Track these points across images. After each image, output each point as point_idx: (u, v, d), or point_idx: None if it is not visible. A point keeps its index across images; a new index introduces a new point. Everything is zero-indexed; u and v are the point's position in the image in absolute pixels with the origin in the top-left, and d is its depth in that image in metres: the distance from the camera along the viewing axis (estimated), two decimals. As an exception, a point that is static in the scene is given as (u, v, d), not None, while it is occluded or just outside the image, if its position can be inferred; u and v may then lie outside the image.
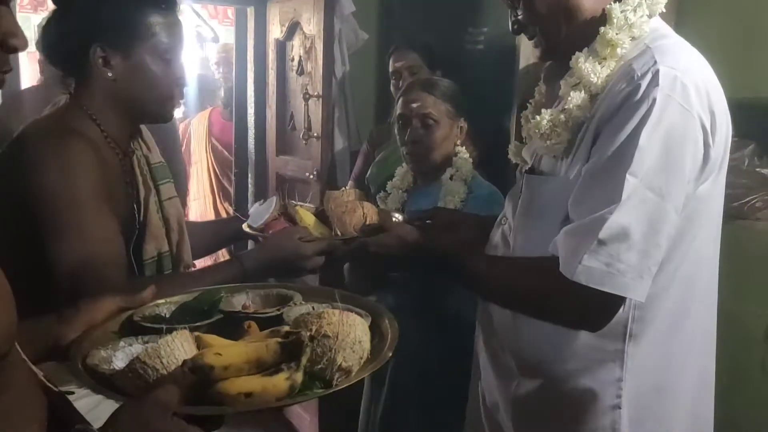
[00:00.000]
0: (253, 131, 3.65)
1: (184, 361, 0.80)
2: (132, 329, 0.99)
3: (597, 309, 1.05)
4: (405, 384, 1.76)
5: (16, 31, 0.69)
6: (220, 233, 1.68)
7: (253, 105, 3.62)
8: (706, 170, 1.06)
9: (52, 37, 1.28)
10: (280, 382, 0.79)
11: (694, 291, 1.14)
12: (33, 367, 0.80)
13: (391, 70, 2.66)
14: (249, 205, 3.76)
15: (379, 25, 3.35)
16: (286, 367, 0.80)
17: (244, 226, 1.46)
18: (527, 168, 1.26)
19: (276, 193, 1.48)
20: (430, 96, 1.82)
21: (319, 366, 0.83)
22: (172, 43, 1.31)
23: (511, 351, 1.23)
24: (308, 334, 0.83)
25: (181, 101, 1.39)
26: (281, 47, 3.34)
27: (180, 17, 1.35)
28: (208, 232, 1.67)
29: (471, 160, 1.86)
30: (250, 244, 1.73)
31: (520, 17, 1.19)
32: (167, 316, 1.04)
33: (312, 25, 2.98)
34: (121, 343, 0.93)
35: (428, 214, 1.50)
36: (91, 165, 1.21)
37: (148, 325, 0.99)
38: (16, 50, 0.69)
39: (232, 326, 0.98)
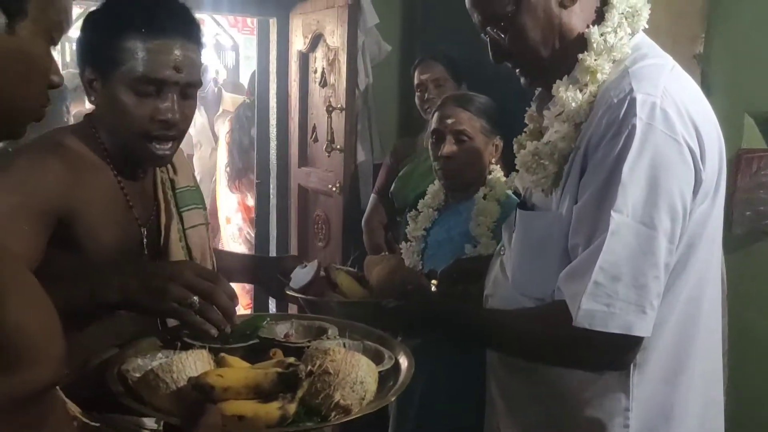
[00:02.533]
0: (275, 142, 3.66)
1: (189, 378, 0.85)
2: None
3: (616, 349, 1.03)
4: (434, 405, 1.74)
5: (57, 70, 0.74)
6: (248, 272, 1.58)
7: (275, 116, 3.63)
8: (700, 193, 1.04)
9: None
10: (272, 410, 0.83)
11: (699, 314, 1.12)
12: (69, 403, 0.82)
13: (416, 82, 2.65)
14: (270, 217, 3.78)
15: (402, 37, 3.34)
16: (281, 398, 0.84)
17: (286, 289, 1.47)
18: (519, 202, 1.25)
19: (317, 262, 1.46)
20: (465, 111, 1.81)
21: (317, 401, 0.87)
22: (149, 75, 1.15)
23: (518, 380, 1.21)
24: (309, 368, 0.87)
25: (170, 144, 1.22)
26: (304, 59, 3.36)
27: (186, 42, 1.18)
28: (237, 265, 1.58)
29: (505, 179, 1.84)
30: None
31: (505, 45, 1.15)
32: (216, 335, 1.07)
33: (335, 37, 2.98)
34: (159, 354, 0.99)
35: (453, 269, 1.49)
36: (37, 178, 1.11)
37: (189, 340, 1.03)
38: (56, 86, 0.75)
39: (265, 352, 1.03)
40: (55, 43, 0.73)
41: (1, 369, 0.62)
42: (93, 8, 1.22)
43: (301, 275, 1.43)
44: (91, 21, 1.19)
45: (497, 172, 1.85)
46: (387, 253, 2.07)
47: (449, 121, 1.80)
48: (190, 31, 1.20)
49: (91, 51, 1.18)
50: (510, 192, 1.83)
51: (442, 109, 1.84)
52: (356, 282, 1.44)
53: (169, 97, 1.17)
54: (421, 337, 1.30)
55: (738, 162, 2.15)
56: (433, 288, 1.46)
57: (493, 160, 1.86)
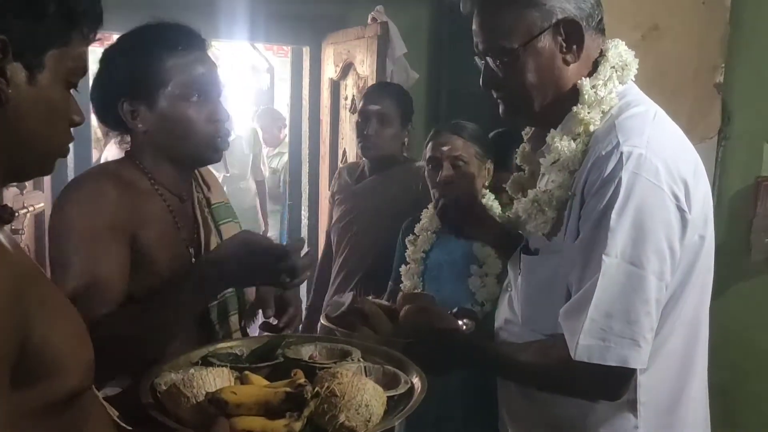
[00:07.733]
0: (307, 165, 3.80)
1: (207, 393, 0.93)
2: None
3: (611, 381, 1.10)
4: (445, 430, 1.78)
5: (78, 110, 0.83)
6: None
7: (307, 140, 3.78)
8: (689, 230, 1.09)
9: (94, 96, 1.30)
10: (278, 426, 0.89)
11: (698, 333, 1.19)
12: (107, 406, 0.89)
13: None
14: (302, 233, 3.90)
15: (429, 65, 3.45)
16: (289, 416, 0.89)
17: (322, 318, 1.54)
18: (522, 246, 1.31)
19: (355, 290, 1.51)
20: (459, 138, 1.86)
21: (323, 421, 0.91)
22: (195, 83, 1.25)
23: (529, 405, 1.28)
24: (316, 389, 0.92)
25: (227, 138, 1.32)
26: (335, 86, 3.48)
27: (206, 54, 1.29)
28: None
29: (498, 203, 1.89)
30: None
31: (500, 76, 1.18)
32: (242, 355, 1.15)
33: (365, 66, 3.10)
34: (191, 370, 1.05)
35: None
36: (105, 203, 1.19)
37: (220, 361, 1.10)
38: (78, 124, 0.84)
39: (289, 372, 1.07)
40: (73, 86, 0.82)
41: (31, 379, 0.70)
42: (108, 47, 1.29)
43: (337, 305, 1.51)
44: (118, 58, 1.25)
45: (489, 196, 1.90)
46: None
47: (445, 148, 1.85)
48: (206, 47, 1.31)
49: (130, 83, 1.23)
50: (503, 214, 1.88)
51: (436, 138, 1.89)
52: (386, 317, 1.49)
53: (213, 100, 1.28)
54: (440, 374, 1.37)
55: (757, 189, 2.19)
56: (463, 326, 1.49)
57: (486, 184, 1.92)
